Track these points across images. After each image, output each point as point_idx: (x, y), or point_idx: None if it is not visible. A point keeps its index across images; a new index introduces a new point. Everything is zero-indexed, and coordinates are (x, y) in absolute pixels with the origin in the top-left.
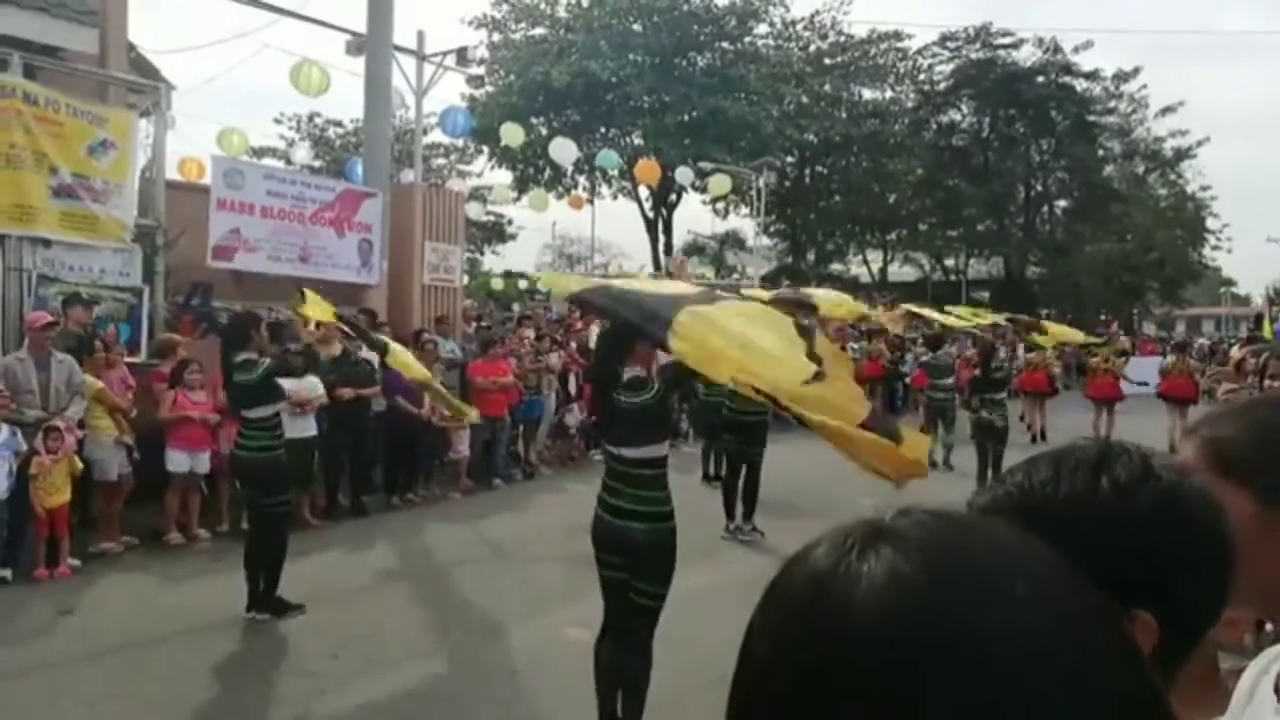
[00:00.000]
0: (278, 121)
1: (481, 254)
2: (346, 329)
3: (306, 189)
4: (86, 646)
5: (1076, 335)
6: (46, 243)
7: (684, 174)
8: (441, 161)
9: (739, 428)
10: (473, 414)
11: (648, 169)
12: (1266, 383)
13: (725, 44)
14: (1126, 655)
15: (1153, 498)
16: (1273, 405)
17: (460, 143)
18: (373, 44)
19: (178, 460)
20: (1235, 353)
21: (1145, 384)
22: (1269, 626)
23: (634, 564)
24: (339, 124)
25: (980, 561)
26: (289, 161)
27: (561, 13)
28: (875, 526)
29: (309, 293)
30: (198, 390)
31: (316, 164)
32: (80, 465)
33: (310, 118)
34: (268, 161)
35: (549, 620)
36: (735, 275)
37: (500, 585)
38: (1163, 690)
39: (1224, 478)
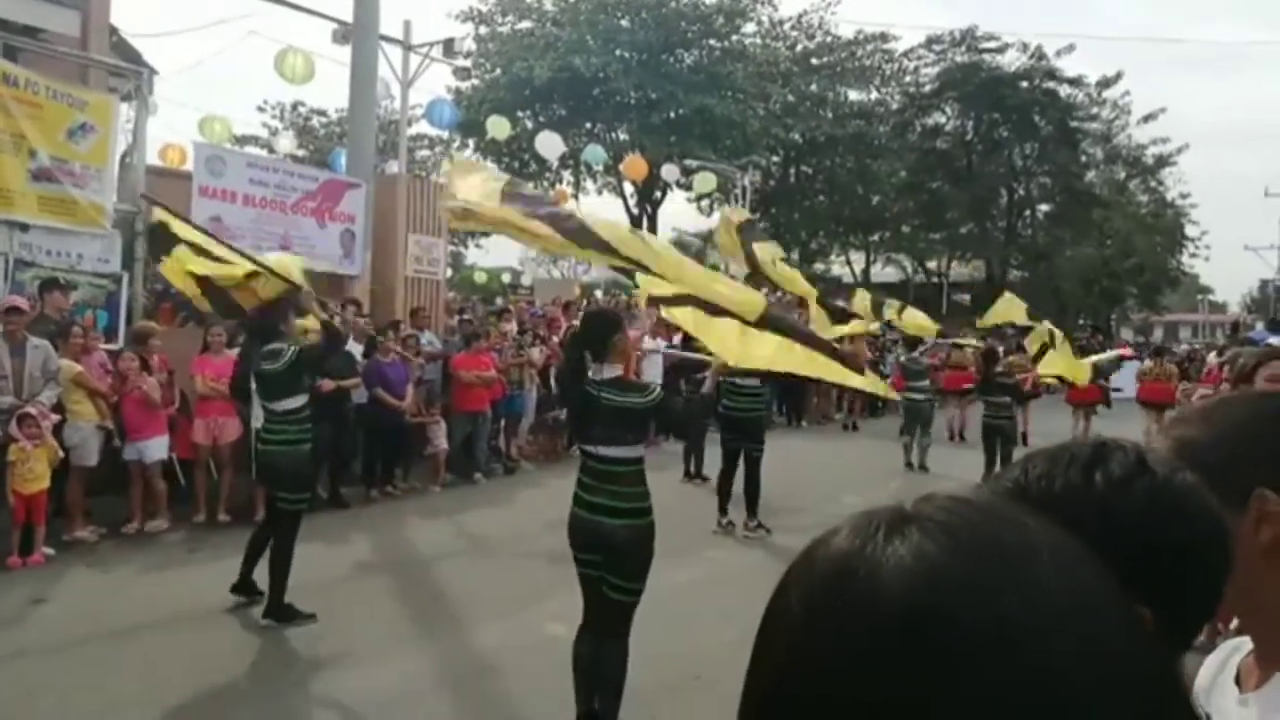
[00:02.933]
0: (261, 109)
1: (465, 247)
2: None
3: (289, 178)
4: (60, 637)
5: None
6: (24, 226)
7: (670, 171)
8: (426, 153)
9: (734, 424)
10: None
11: (635, 165)
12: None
13: (713, 41)
14: (1145, 635)
15: (1146, 492)
16: (1238, 406)
17: (445, 135)
18: (359, 33)
19: (132, 449)
20: (1212, 359)
21: (1119, 390)
22: (1233, 624)
23: (611, 560)
24: (323, 113)
25: (1004, 543)
26: (272, 150)
27: (549, 6)
28: (900, 511)
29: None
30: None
31: (300, 153)
32: (60, 452)
33: (294, 106)
34: (250, 150)
35: (529, 615)
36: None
37: (480, 580)
38: (1179, 671)
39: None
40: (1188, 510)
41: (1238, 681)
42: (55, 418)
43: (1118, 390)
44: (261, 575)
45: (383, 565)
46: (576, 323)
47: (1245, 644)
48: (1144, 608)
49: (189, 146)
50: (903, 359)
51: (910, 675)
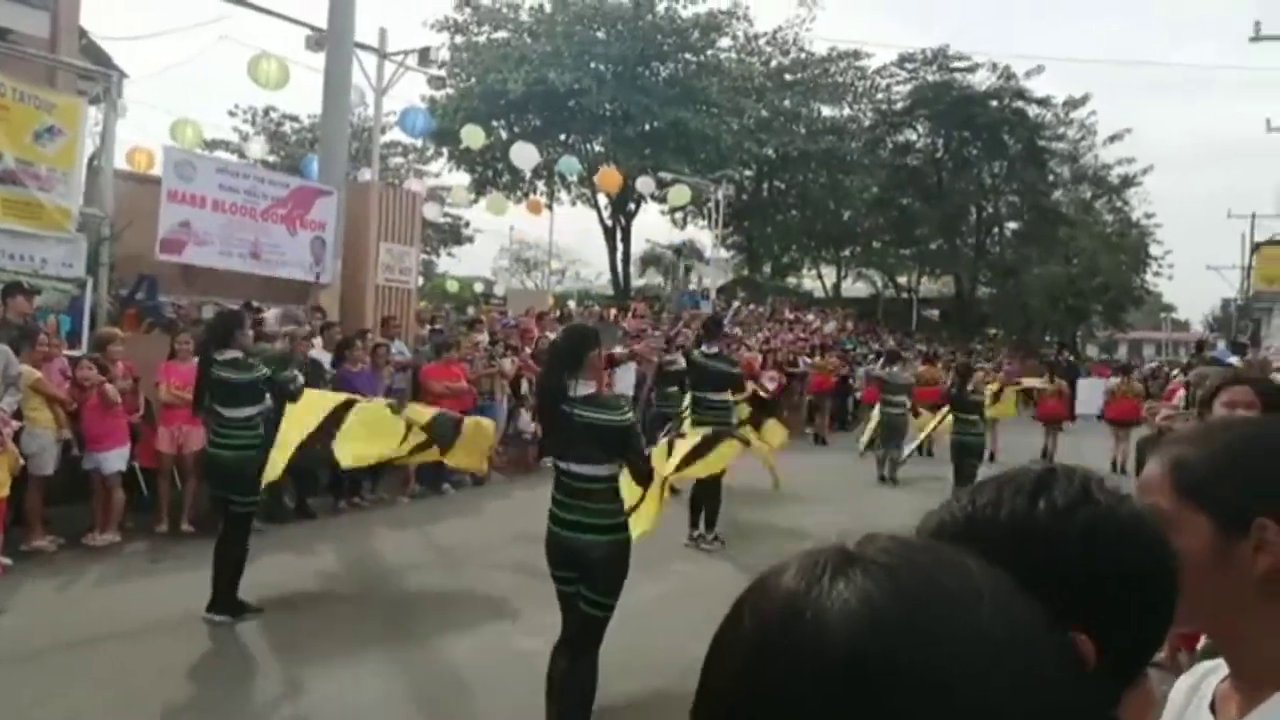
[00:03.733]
0: (232, 114)
1: (437, 256)
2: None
3: (259, 184)
4: (18, 648)
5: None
6: None
7: (645, 183)
8: (399, 161)
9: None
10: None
11: (609, 177)
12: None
13: (688, 56)
14: (1076, 671)
15: (1088, 520)
16: (1237, 429)
17: (419, 143)
18: (333, 39)
19: (90, 459)
20: (1177, 378)
21: (1087, 414)
22: (1201, 641)
23: (587, 575)
24: (295, 119)
25: (946, 586)
26: (243, 155)
27: (525, 17)
28: (844, 552)
29: None
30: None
31: (271, 159)
32: (21, 460)
33: (266, 111)
34: (221, 154)
35: (498, 628)
36: (692, 286)
37: (450, 592)
38: (1109, 706)
39: (1185, 499)
40: (1131, 538)
41: (1213, 708)
42: (16, 424)
43: (1085, 416)
44: (253, 582)
45: (350, 577)
46: (550, 335)
47: (1220, 669)
48: (1085, 635)
49: (158, 150)
50: (879, 372)
51: (853, 717)
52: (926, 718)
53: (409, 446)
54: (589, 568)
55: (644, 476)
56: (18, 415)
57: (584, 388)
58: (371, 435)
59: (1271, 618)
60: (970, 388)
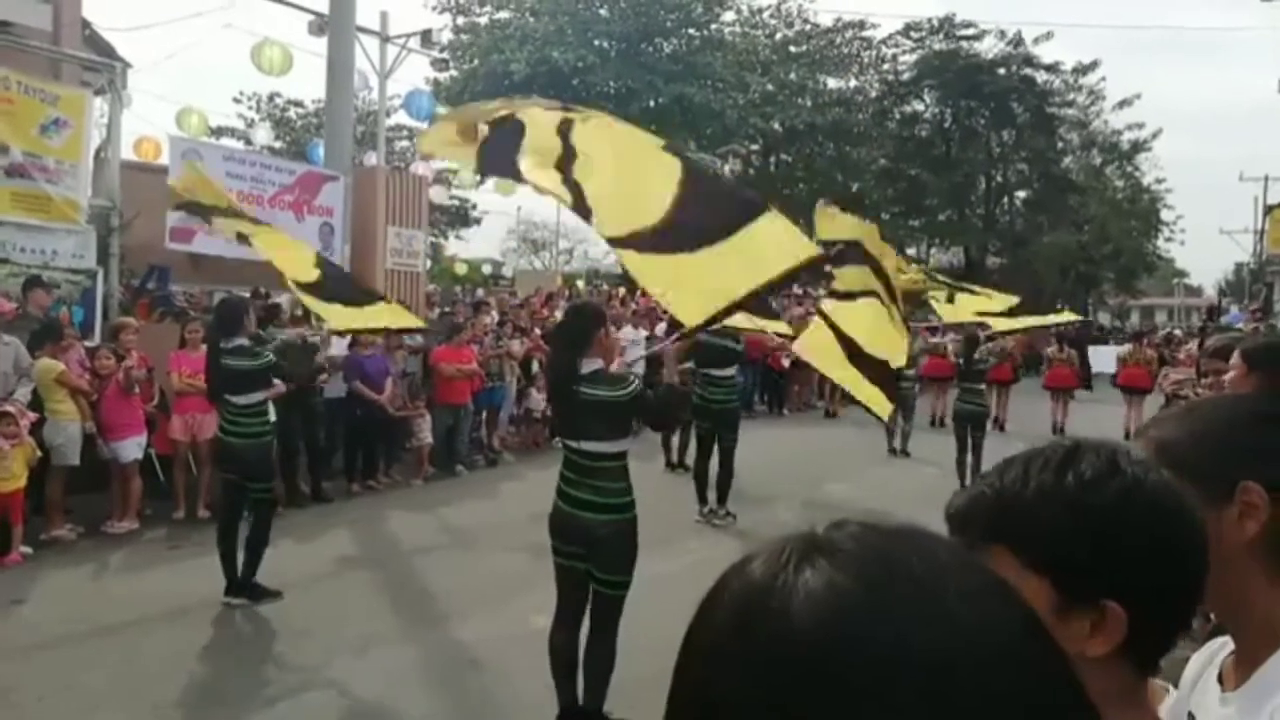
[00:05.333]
0: (237, 101)
1: (445, 239)
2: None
3: (266, 170)
4: (38, 636)
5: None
6: None
7: None
8: (405, 144)
9: (708, 414)
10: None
11: None
12: (1206, 379)
13: (691, 31)
14: (1053, 664)
15: (1119, 491)
16: (1215, 408)
17: (424, 126)
18: (335, 24)
19: (110, 448)
20: (1191, 348)
21: (1098, 374)
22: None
23: (596, 554)
24: (300, 104)
25: (913, 572)
26: (249, 142)
27: None
28: (811, 539)
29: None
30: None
31: (277, 145)
32: (38, 451)
33: (270, 98)
34: (226, 142)
35: (513, 607)
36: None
37: (464, 572)
38: (1088, 702)
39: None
40: (1162, 509)
41: (1221, 680)
42: (33, 416)
43: (1097, 374)
44: (270, 567)
45: (366, 559)
46: (559, 315)
47: (1230, 642)
48: (1116, 603)
49: (163, 139)
50: None
51: (821, 704)
52: (893, 703)
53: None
54: (595, 546)
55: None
56: (34, 407)
57: (590, 365)
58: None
59: (1265, 582)
60: (977, 356)
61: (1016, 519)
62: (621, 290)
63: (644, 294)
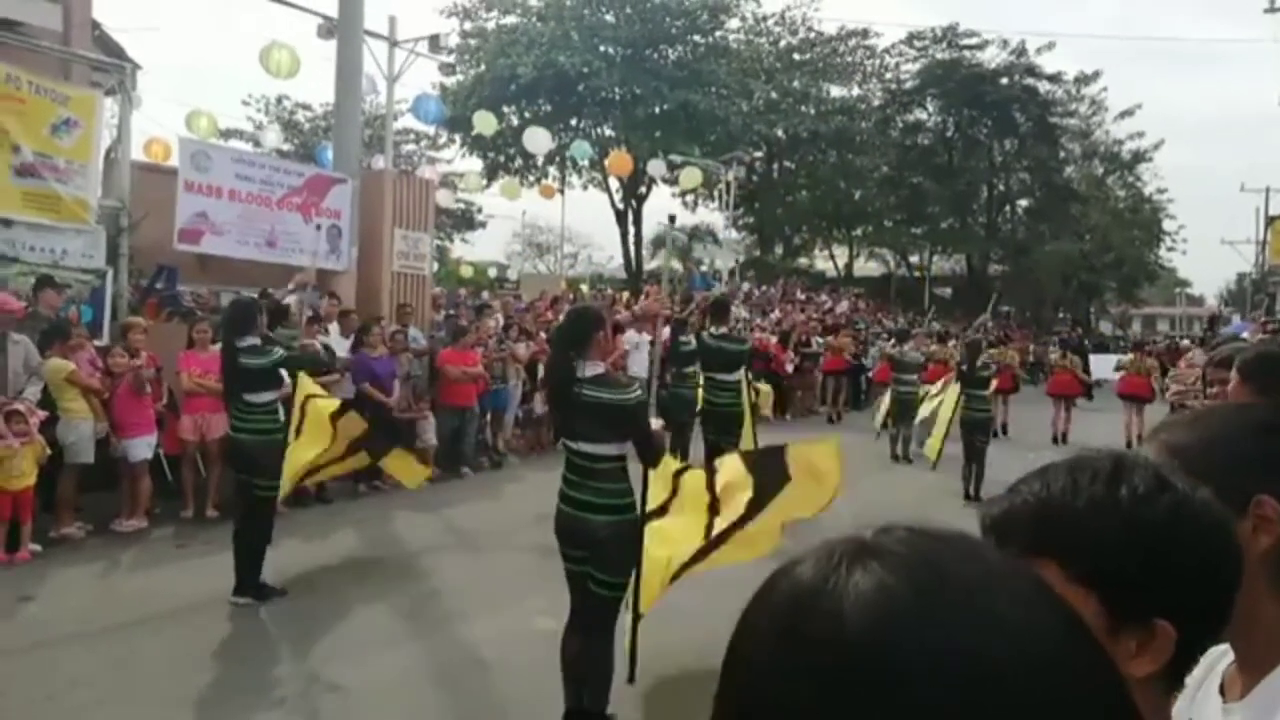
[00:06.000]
0: (245, 103)
1: (451, 242)
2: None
3: (275, 173)
4: (47, 634)
5: None
6: (7, 222)
7: (656, 166)
8: (412, 147)
9: (712, 417)
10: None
11: (620, 161)
12: (1211, 389)
13: (696, 38)
14: (1101, 671)
15: (1170, 507)
16: (1225, 415)
17: (431, 129)
18: (344, 28)
19: (120, 446)
20: (1195, 356)
21: (1099, 383)
22: None
23: (596, 556)
24: (308, 107)
25: (963, 577)
26: (258, 144)
27: (533, 2)
28: (861, 543)
29: None
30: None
31: (285, 148)
32: (47, 450)
33: (279, 100)
34: (235, 144)
35: (517, 609)
36: (703, 267)
37: (468, 574)
38: (1135, 710)
39: None
40: (1209, 526)
41: (1222, 691)
42: (43, 414)
43: (1098, 384)
44: (275, 567)
45: (370, 560)
46: (560, 318)
47: (1230, 652)
48: (1165, 620)
49: (173, 141)
50: (893, 351)
51: (870, 706)
52: (944, 705)
53: (339, 449)
54: (596, 548)
55: (651, 457)
56: (44, 405)
57: (591, 368)
58: (312, 435)
59: (1275, 595)
60: (979, 364)
61: (1065, 530)
62: (625, 294)
63: (646, 297)
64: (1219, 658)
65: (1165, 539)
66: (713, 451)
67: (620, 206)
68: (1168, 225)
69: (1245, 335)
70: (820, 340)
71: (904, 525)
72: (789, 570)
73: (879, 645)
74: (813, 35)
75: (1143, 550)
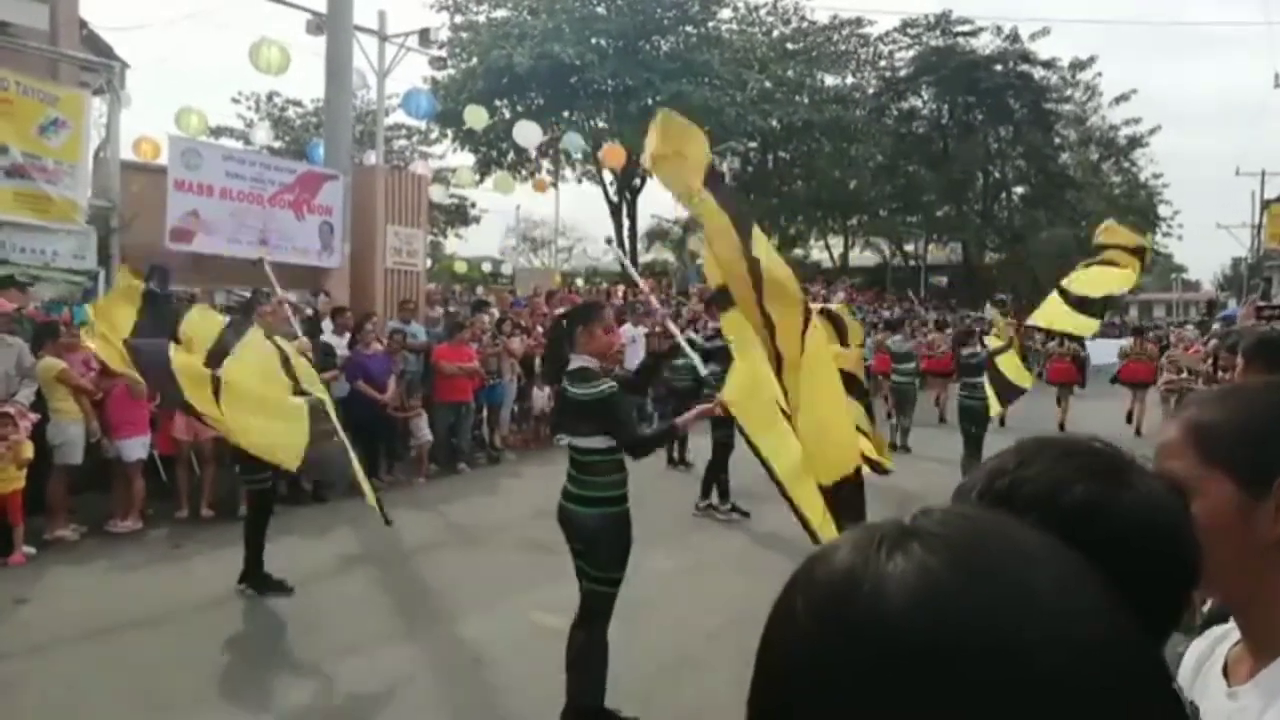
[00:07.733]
0: (235, 101)
1: (444, 237)
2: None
3: (266, 170)
4: (42, 635)
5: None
6: None
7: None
8: (403, 143)
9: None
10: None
11: (612, 153)
12: (1220, 374)
13: (689, 28)
14: (1139, 650)
15: (1139, 499)
16: (1255, 394)
17: (423, 125)
18: (333, 23)
19: (114, 447)
20: (1190, 335)
21: (1100, 367)
22: (1207, 604)
23: (587, 548)
24: (299, 104)
25: (1005, 557)
26: (248, 142)
27: None
28: (901, 525)
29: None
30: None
31: (276, 144)
32: (30, 453)
33: (269, 97)
34: (226, 141)
35: (516, 605)
36: (698, 261)
37: (466, 570)
38: (1171, 687)
39: (1206, 461)
40: (1175, 516)
41: (1226, 674)
42: (34, 417)
43: (1096, 367)
44: (272, 565)
45: (368, 557)
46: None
47: (1232, 633)
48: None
49: (162, 139)
50: (887, 341)
51: (913, 687)
52: (989, 686)
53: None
54: (587, 541)
55: (634, 450)
56: (39, 408)
57: (576, 361)
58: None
59: None
60: (968, 351)
61: (1038, 518)
62: (621, 287)
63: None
64: (1220, 639)
65: (1129, 528)
66: (722, 449)
67: (615, 199)
68: (1163, 211)
69: (1237, 318)
70: None
71: (942, 507)
72: (825, 556)
73: (922, 627)
74: (806, 24)
75: (1136, 544)
